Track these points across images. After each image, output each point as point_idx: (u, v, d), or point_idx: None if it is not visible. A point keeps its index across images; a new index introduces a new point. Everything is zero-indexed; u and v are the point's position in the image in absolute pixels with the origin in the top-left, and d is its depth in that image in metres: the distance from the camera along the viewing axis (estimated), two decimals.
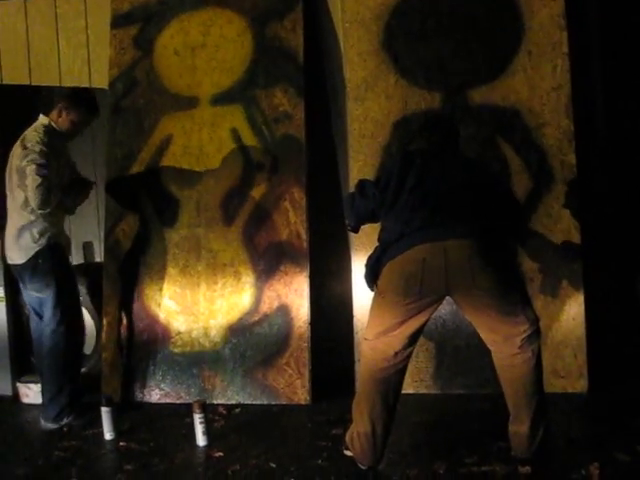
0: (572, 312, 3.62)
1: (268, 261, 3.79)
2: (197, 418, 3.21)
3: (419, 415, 3.28)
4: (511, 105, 3.72)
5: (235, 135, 3.91)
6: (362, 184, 2.85)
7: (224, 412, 3.62)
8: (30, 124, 3.52)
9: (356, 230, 3.03)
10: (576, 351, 3.62)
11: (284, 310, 3.75)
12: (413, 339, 2.70)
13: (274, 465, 2.93)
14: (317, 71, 4.02)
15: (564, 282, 3.63)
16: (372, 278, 2.81)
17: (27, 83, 4.21)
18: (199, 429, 3.21)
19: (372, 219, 2.89)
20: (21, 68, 4.23)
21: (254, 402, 3.72)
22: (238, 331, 3.79)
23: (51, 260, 3.43)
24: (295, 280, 3.75)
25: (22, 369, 4.03)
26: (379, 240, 2.83)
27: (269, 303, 3.77)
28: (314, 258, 3.79)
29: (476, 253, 2.57)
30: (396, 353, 2.67)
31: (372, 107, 3.87)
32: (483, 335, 2.74)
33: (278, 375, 3.71)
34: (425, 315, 2.67)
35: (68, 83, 4.20)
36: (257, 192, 3.84)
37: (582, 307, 3.61)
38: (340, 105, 3.99)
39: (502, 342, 2.68)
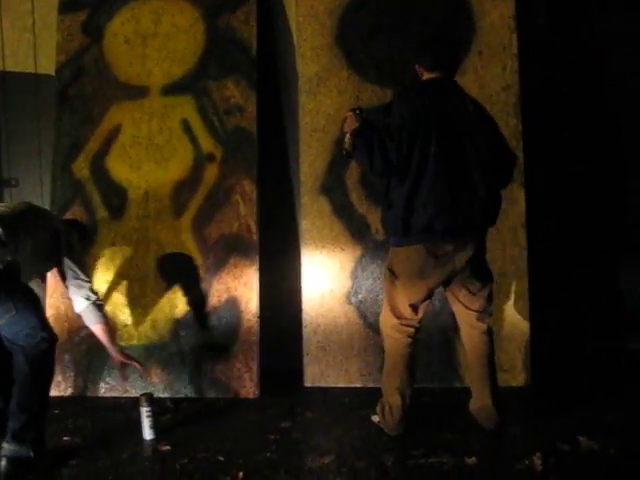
0: (517, 307, 3.71)
1: (217, 254, 3.75)
2: (144, 411, 3.16)
3: (367, 409, 3.30)
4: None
5: (185, 126, 3.85)
6: (380, 138, 2.82)
7: (171, 406, 3.57)
8: None
9: (381, 176, 2.98)
10: (520, 346, 3.71)
11: (233, 303, 3.72)
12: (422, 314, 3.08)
13: (222, 458, 2.91)
14: (270, 64, 4.01)
15: (510, 277, 3.72)
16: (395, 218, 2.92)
17: None
18: (146, 422, 3.16)
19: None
20: None
21: (201, 396, 3.69)
22: (186, 324, 3.75)
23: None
24: (244, 273, 3.72)
25: None
26: (391, 195, 2.91)
27: (218, 296, 3.73)
28: (264, 252, 3.77)
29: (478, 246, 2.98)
30: (417, 328, 3.05)
31: (324, 101, 3.87)
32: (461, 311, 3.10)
33: (226, 369, 3.68)
34: (435, 288, 3.03)
35: (12, 67, 4.07)
36: (207, 184, 3.80)
37: (527, 302, 3.71)
38: (292, 99, 3.99)
39: (475, 318, 3.06)
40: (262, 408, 3.52)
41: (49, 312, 3.81)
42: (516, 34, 3.74)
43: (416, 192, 2.87)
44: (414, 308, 3.03)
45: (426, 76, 3.02)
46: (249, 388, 3.65)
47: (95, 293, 3.17)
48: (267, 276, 3.79)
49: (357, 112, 2.99)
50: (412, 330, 3.05)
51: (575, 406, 3.34)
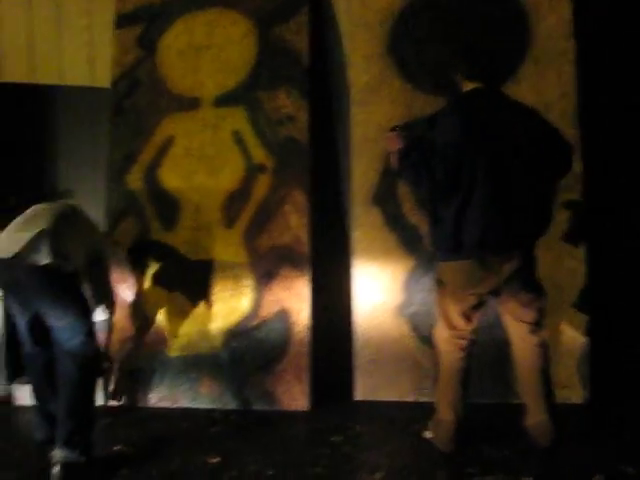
0: (575, 321, 3.58)
1: (268, 265, 3.75)
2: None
3: (418, 424, 3.23)
4: None
5: (237, 137, 3.87)
6: (426, 158, 2.81)
7: (220, 417, 3.57)
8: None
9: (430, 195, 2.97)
10: (578, 361, 3.58)
11: (284, 315, 3.70)
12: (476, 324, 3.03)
13: (272, 472, 2.88)
14: (322, 74, 4.00)
15: (567, 290, 3.60)
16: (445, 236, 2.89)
17: (29, 81, 4.16)
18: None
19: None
20: (23, 66, 4.19)
21: (251, 408, 3.67)
22: (237, 335, 3.74)
23: None
24: (296, 284, 3.70)
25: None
26: (439, 211, 2.88)
27: (269, 307, 3.72)
28: (315, 263, 3.75)
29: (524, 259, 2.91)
30: (471, 341, 3.00)
31: (375, 111, 3.84)
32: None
33: (276, 381, 3.65)
34: (484, 302, 2.99)
35: (70, 82, 4.16)
36: (259, 194, 3.80)
37: (585, 316, 3.57)
38: (344, 109, 3.96)
39: (527, 330, 2.98)
40: (312, 421, 3.48)
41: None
42: (574, 39, 3.65)
43: (465, 208, 2.84)
44: (466, 317, 2.97)
45: (467, 86, 2.97)
46: (299, 401, 3.62)
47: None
48: (318, 287, 3.76)
49: (398, 130, 2.95)
50: (466, 343, 2.98)
51: (638, 425, 3.20)
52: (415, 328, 3.71)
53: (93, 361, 3.01)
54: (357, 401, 3.73)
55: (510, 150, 2.85)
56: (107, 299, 3.25)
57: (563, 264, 3.62)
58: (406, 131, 2.98)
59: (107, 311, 3.26)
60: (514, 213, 2.85)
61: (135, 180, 3.95)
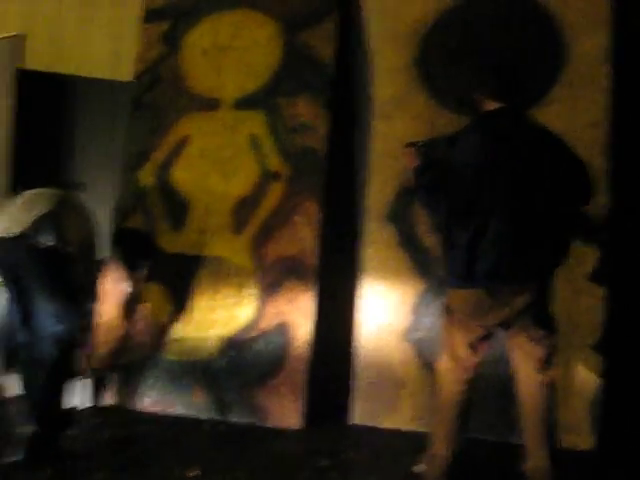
0: (589, 362, 3.39)
1: (274, 275, 3.63)
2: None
3: (414, 455, 3.07)
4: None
5: (254, 141, 3.77)
6: (443, 179, 2.69)
7: (208, 428, 3.45)
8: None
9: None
10: (588, 404, 3.37)
11: (284, 328, 3.57)
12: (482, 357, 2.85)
13: None
14: (345, 84, 3.88)
15: (582, 329, 3.41)
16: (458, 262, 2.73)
17: (55, 71, 4.13)
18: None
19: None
20: (48, 54, 4.17)
21: (241, 421, 3.54)
22: (235, 345, 3.62)
23: None
24: (300, 298, 3.58)
25: None
26: (453, 236, 2.72)
27: (269, 319, 3.60)
28: (322, 277, 3.62)
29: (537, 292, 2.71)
30: (474, 376, 2.82)
31: (397, 126, 3.70)
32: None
33: (270, 396, 3.52)
34: (492, 335, 2.81)
35: (94, 74, 4.12)
36: (270, 202, 3.70)
37: (600, 357, 3.38)
38: (365, 121, 3.83)
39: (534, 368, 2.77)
40: (303, 441, 3.34)
41: (101, 319, 3.79)
42: (610, 66, 3.47)
43: (481, 236, 2.67)
44: (472, 348, 2.79)
45: (488, 106, 2.80)
46: (293, 418, 3.48)
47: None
48: (323, 303, 3.62)
49: (417, 147, 2.82)
50: (469, 376, 2.81)
51: None
52: (420, 354, 3.54)
53: (72, 348, 3.04)
54: (353, 425, 3.57)
55: (531, 176, 2.69)
56: (92, 292, 3.20)
57: (581, 301, 3.41)
58: (425, 148, 2.85)
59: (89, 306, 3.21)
60: (530, 243, 2.69)
61: (147, 177, 3.88)
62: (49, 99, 4.06)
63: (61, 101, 3.70)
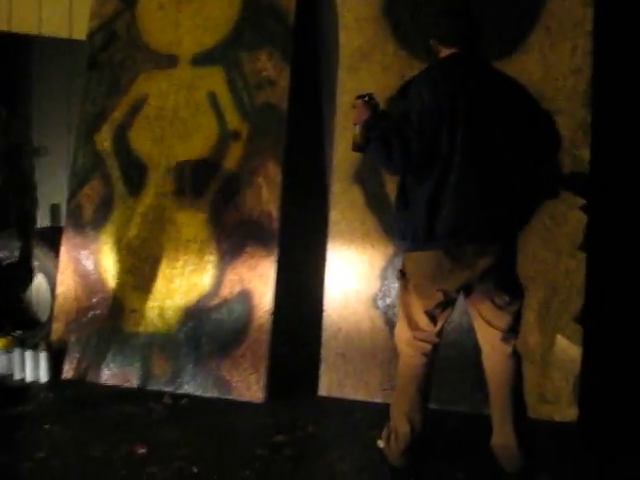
0: (568, 330, 3.17)
1: (234, 241, 3.43)
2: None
3: (379, 429, 2.89)
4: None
5: (212, 99, 3.54)
6: (399, 127, 2.40)
7: (169, 402, 3.29)
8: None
9: (402, 172, 2.57)
10: (568, 374, 3.16)
11: (246, 296, 3.38)
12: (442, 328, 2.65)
13: (196, 470, 2.59)
14: (310, 36, 3.63)
15: (562, 294, 3.18)
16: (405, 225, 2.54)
17: (6, 30, 3.93)
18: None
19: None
20: (2, 14, 3.96)
21: (204, 394, 3.37)
22: (195, 315, 3.44)
23: None
24: (261, 264, 3.37)
25: None
26: (409, 193, 2.50)
27: (230, 287, 3.41)
28: (285, 242, 3.41)
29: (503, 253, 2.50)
30: (434, 345, 2.62)
31: (366, 79, 3.45)
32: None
33: (232, 367, 3.34)
34: (452, 301, 2.60)
35: (47, 32, 3.91)
36: (230, 163, 3.48)
37: (580, 324, 3.15)
38: (331, 75, 3.57)
39: (500, 337, 2.57)
40: (263, 415, 3.16)
41: (59, 289, 3.64)
42: (592, 9, 3.18)
43: (441, 191, 2.43)
44: (431, 317, 2.57)
45: (443, 53, 2.56)
46: (254, 391, 3.30)
47: None
48: (286, 270, 3.42)
49: (367, 99, 2.57)
50: (428, 347, 2.60)
51: (629, 450, 2.80)
52: (390, 322, 3.32)
53: None
54: (320, 397, 3.39)
55: (491, 124, 2.45)
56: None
57: (560, 262, 3.18)
58: (376, 100, 2.61)
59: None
60: (495, 198, 2.46)
61: (104, 140, 3.68)
62: (3, 60, 3.87)
63: (16, 62, 3.50)
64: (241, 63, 3.52)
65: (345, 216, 3.45)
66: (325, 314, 3.44)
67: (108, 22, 3.75)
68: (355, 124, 2.57)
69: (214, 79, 3.55)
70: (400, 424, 2.63)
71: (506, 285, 2.55)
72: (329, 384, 3.42)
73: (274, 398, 3.31)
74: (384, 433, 2.71)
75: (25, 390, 3.41)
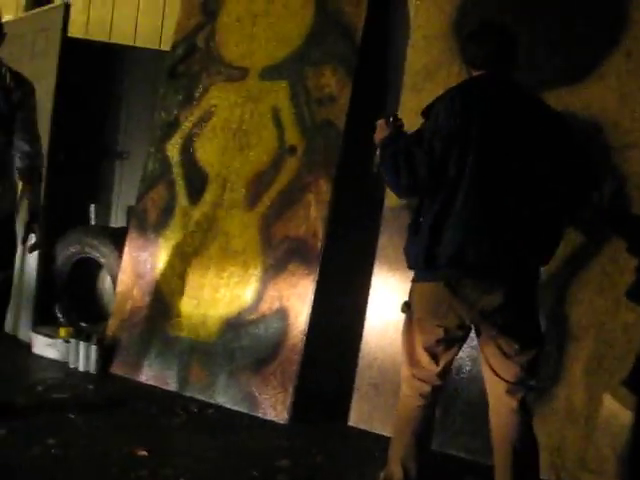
0: (620, 392, 2.78)
1: (278, 256, 3.38)
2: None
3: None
4: (592, 116, 2.95)
5: (275, 114, 3.54)
6: (408, 147, 2.25)
7: (194, 410, 3.30)
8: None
9: (408, 194, 2.50)
10: (616, 442, 2.77)
11: (283, 313, 3.32)
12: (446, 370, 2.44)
13: None
14: (378, 53, 3.52)
15: (617, 350, 2.80)
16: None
17: (106, 40, 4.18)
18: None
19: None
20: (103, 25, 4.21)
21: (233, 407, 3.34)
22: (234, 327, 3.43)
23: None
24: (301, 283, 3.30)
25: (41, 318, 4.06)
26: (421, 219, 2.32)
27: (270, 303, 3.36)
28: (329, 263, 3.31)
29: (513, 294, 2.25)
30: (435, 388, 2.42)
31: (428, 100, 3.26)
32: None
33: (262, 384, 3.29)
34: (457, 341, 2.38)
35: (141, 44, 4.12)
36: (284, 178, 3.45)
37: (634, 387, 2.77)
38: (396, 94, 3.44)
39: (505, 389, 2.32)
40: (280, 437, 3.08)
41: (118, 287, 3.80)
42: None
43: (445, 217, 2.23)
44: (432, 355, 2.35)
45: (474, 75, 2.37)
46: (280, 411, 3.22)
47: None
48: (327, 291, 3.31)
49: (391, 119, 2.43)
50: (427, 388, 2.38)
51: None
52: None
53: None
54: (349, 427, 3.22)
55: (512, 151, 2.22)
56: None
57: (619, 314, 2.82)
58: (400, 120, 2.47)
59: None
60: (506, 227, 2.21)
61: (174, 148, 3.80)
62: (96, 68, 4.12)
63: (108, 70, 3.72)
64: (306, 78, 3.49)
65: (393, 242, 3.27)
66: (363, 341, 3.28)
67: (190, 34, 3.88)
68: (376, 145, 2.45)
69: (279, 93, 3.54)
70: (395, 470, 2.42)
71: (515, 331, 2.28)
72: (359, 415, 3.26)
73: (300, 421, 3.22)
74: (381, 476, 2.53)
75: (71, 379, 3.58)
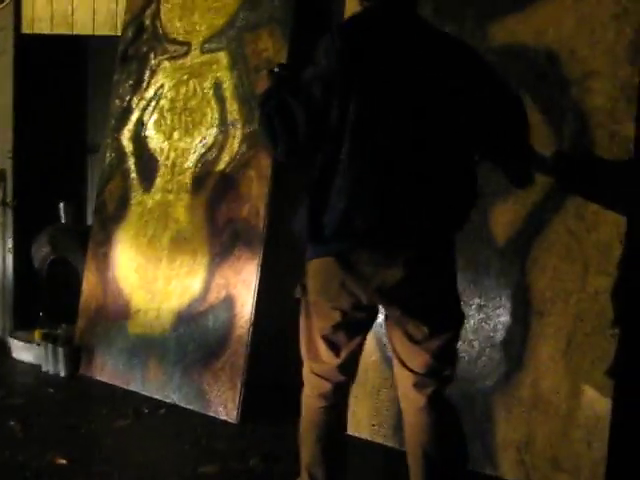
0: (596, 374, 2.29)
1: (224, 241, 3.10)
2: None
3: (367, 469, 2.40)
4: (546, 45, 2.45)
5: (217, 87, 3.24)
6: (283, 100, 1.86)
7: (145, 411, 3.08)
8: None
9: (289, 157, 1.97)
10: (592, 436, 2.28)
11: (230, 303, 3.03)
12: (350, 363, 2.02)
13: None
14: (315, 9, 3.14)
15: (589, 324, 2.31)
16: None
17: (69, 33, 4.04)
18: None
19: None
20: (66, 18, 4.07)
21: (187, 406, 3.09)
22: (185, 319, 3.18)
23: None
24: (245, 268, 3.00)
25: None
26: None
27: (217, 292, 3.08)
28: (274, 243, 2.98)
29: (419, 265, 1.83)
30: (338, 386, 2.02)
31: None
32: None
33: (212, 380, 3.02)
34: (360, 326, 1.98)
35: (100, 32, 3.93)
36: (226, 156, 3.15)
37: (613, 368, 2.26)
38: None
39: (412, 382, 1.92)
40: (225, 438, 2.79)
41: (84, 286, 3.65)
42: None
43: (330, 178, 1.82)
44: (331, 345, 1.95)
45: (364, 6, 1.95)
46: (230, 410, 2.94)
47: None
48: (273, 276, 2.98)
49: (275, 70, 2.07)
50: (327, 386, 1.99)
51: None
52: (380, 343, 2.73)
53: None
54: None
55: (406, 94, 1.81)
56: None
57: (588, 281, 2.32)
58: (286, 70, 2.11)
59: None
60: (404, 187, 1.80)
61: (127, 136, 3.59)
62: (58, 62, 3.99)
63: (71, 63, 3.59)
64: (244, 45, 3.17)
65: None
66: None
67: (138, 14, 3.66)
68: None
69: (219, 65, 3.25)
70: (303, 476, 2.09)
71: (423, 311, 1.87)
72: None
73: (250, 421, 2.93)
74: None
75: (37, 382, 3.47)
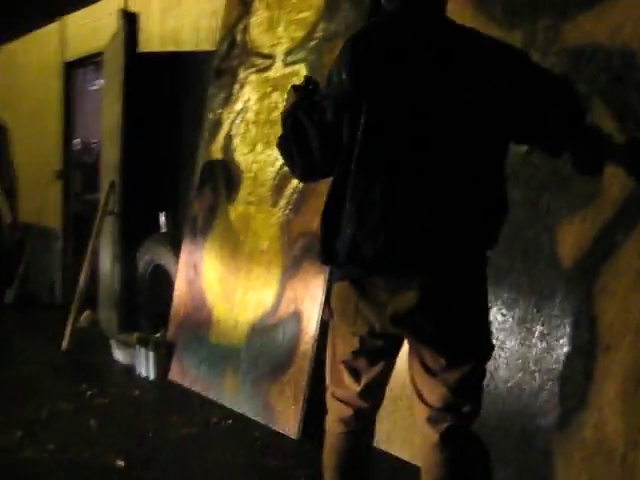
0: (627, 403, 1.99)
1: (295, 254, 3.07)
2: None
3: None
4: (622, 45, 2.17)
5: None
6: (297, 118, 1.87)
7: (214, 421, 3.12)
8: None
9: (305, 177, 2.12)
10: (618, 469, 1.98)
11: (297, 317, 3.00)
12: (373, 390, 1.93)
13: None
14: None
15: (619, 351, 2.02)
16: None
17: (175, 50, 4.21)
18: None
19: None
20: (164, 36, 4.25)
21: (254, 417, 3.10)
22: (258, 331, 3.19)
23: None
24: (313, 282, 2.95)
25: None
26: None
27: (287, 306, 3.07)
28: None
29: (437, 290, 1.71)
30: (359, 413, 1.92)
31: None
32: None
33: (278, 394, 3.00)
34: (383, 353, 1.88)
35: (204, 47, 4.06)
36: None
37: None
38: None
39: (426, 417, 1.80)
40: (275, 455, 2.76)
41: (175, 293, 3.77)
42: None
43: (342, 201, 1.75)
44: (352, 371, 1.87)
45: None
46: (290, 425, 2.90)
47: None
48: None
49: (302, 86, 2.02)
50: (348, 412, 1.90)
51: None
52: None
53: None
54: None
55: (422, 110, 1.69)
56: None
57: (630, 305, 2.02)
58: (313, 85, 2.04)
59: None
60: (417, 210, 1.69)
61: (217, 148, 3.68)
62: (168, 77, 4.18)
63: (181, 78, 3.76)
64: (322, 55, 3.14)
65: None
66: None
67: (230, 29, 3.73)
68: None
69: (300, 77, 3.21)
70: None
71: (441, 339, 1.73)
72: (379, 434, 2.80)
73: (311, 438, 2.84)
74: None
75: (126, 384, 3.64)
